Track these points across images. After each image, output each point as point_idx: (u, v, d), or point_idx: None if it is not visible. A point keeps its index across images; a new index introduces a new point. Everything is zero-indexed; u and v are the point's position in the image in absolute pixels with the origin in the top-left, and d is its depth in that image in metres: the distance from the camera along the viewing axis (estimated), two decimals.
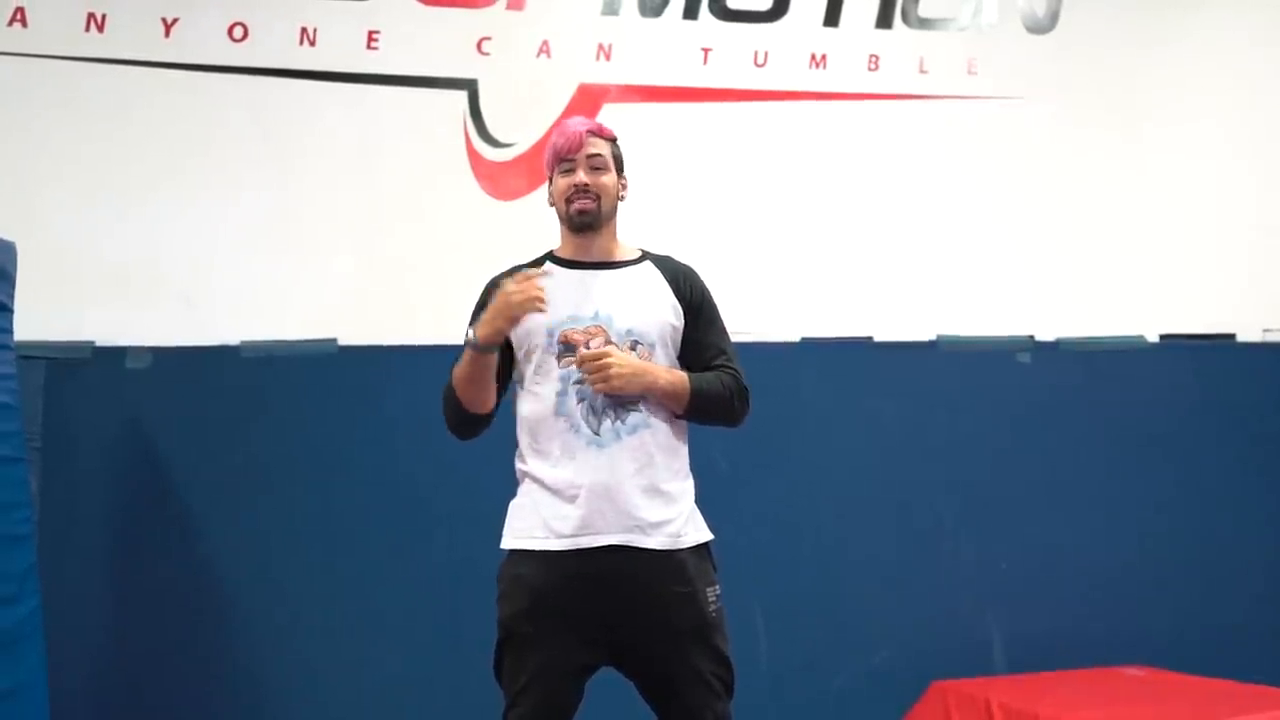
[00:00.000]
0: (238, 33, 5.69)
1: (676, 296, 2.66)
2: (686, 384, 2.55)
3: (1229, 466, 5.97)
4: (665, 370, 2.56)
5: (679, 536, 2.58)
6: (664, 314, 2.64)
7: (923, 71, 6.47)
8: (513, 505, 2.77)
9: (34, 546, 4.21)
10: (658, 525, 2.53)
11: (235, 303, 5.46)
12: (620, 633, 2.53)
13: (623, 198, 2.76)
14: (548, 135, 6.23)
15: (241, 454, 5.10)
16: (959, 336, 5.91)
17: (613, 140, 2.79)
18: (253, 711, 4.94)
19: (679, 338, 2.64)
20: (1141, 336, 6.09)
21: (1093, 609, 5.69)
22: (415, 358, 5.44)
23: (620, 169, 2.77)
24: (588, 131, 2.71)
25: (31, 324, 4.49)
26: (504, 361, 2.73)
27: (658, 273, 2.71)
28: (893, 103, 6.43)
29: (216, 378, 5.15)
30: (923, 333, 5.92)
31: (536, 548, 2.58)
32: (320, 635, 5.01)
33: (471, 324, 2.69)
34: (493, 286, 2.70)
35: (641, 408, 2.53)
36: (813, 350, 5.85)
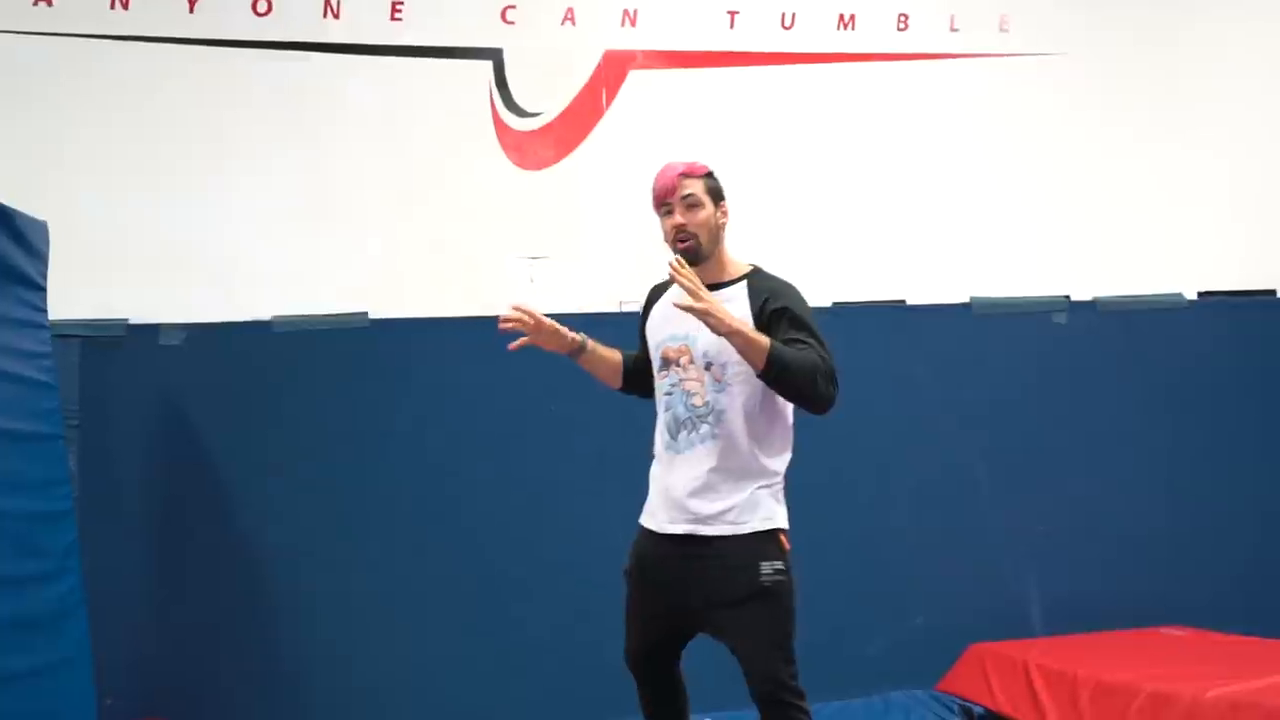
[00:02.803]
0: (261, 7, 5.68)
1: (756, 317, 2.83)
2: (766, 342, 2.71)
3: (1270, 425, 5.88)
4: (750, 329, 2.73)
5: (738, 525, 2.86)
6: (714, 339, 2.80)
7: (953, 30, 6.36)
8: None
9: (74, 523, 4.26)
10: (714, 517, 2.86)
11: (266, 278, 5.48)
12: (690, 601, 2.93)
13: (723, 224, 2.98)
14: (574, 103, 6.31)
15: (275, 428, 5.14)
16: (993, 298, 5.83)
17: (706, 175, 3.00)
18: (293, 680, 4.99)
19: None
20: (1180, 294, 5.99)
21: (1132, 570, 5.64)
22: (446, 329, 5.45)
23: (718, 199, 2.99)
24: (680, 175, 2.95)
25: (65, 303, 4.53)
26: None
27: (745, 294, 2.91)
28: (923, 63, 6.33)
29: (249, 353, 5.17)
30: (956, 295, 5.85)
31: (642, 522, 3.11)
32: (357, 603, 5.05)
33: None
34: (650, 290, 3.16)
35: (710, 421, 2.83)
36: (844, 315, 5.78)
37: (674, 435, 2.90)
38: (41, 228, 4.36)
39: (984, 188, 6.27)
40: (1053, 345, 5.83)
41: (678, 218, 2.92)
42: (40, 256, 4.33)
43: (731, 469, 2.86)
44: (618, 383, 3.26)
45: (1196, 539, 5.71)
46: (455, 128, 5.92)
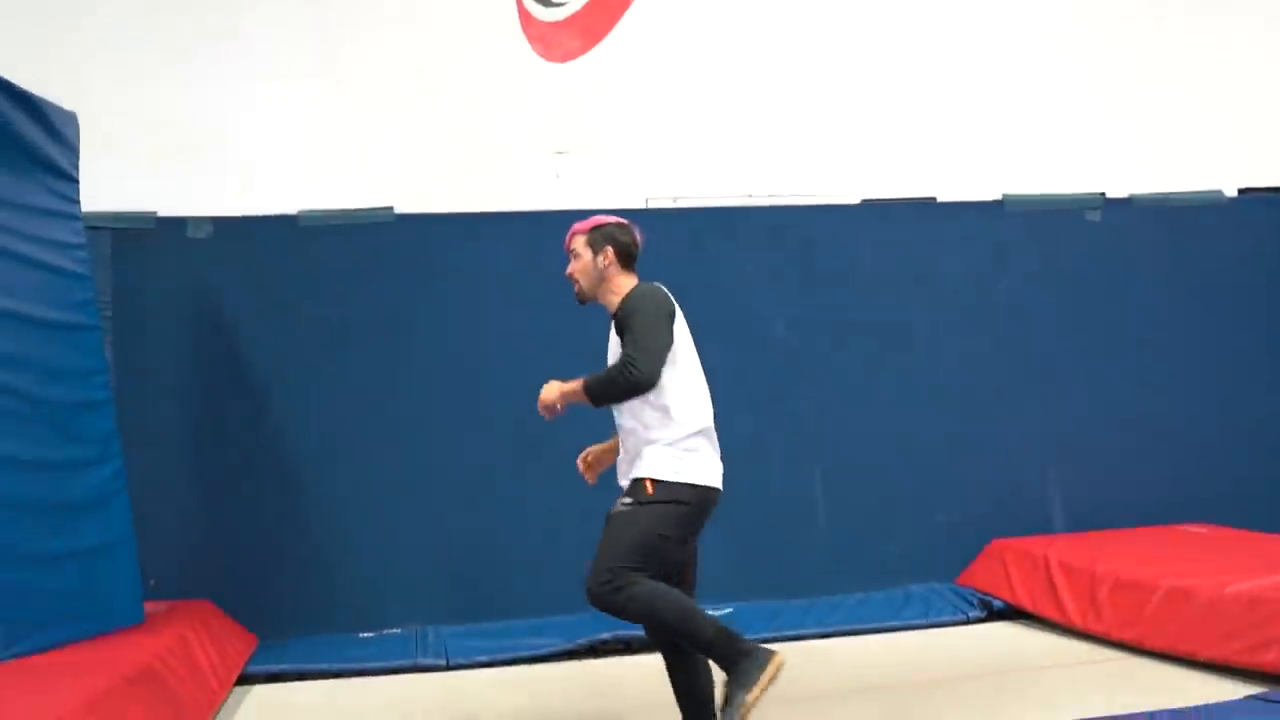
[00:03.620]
0: None
1: (616, 330, 3.48)
2: (580, 387, 3.42)
3: None
4: (565, 387, 3.45)
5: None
6: (614, 352, 3.51)
7: None
8: None
9: (113, 411, 4.35)
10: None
11: (292, 171, 5.47)
12: None
13: (605, 265, 3.52)
14: None
15: (301, 320, 5.18)
16: (1026, 195, 5.73)
17: (589, 230, 3.56)
18: (324, 562, 5.12)
19: None
20: (1219, 191, 5.85)
21: (1156, 469, 5.66)
22: (471, 224, 5.43)
23: (598, 248, 3.53)
24: (571, 233, 3.59)
25: (95, 195, 4.54)
26: None
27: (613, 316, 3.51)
28: None
29: (275, 246, 5.19)
30: (988, 191, 5.75)
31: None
32: (385, 490, 5.16)
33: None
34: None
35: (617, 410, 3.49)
36: (873, 212, 5.72)
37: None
38: (71, 118, 4.36)
39: (1018, 82, 6.12)
40: (1086, 243, 5.75)
41: (569, 267, 3.57)
42: (71, 147, 4.34)
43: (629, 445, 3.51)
44: None
45: (1225, 437, 5.71)
46: (480, 19, 5.81)
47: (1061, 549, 5.04)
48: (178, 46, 5.49)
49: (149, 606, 4.40)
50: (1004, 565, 5.17)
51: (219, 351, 5.13)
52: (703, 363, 5.60)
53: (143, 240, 5.02)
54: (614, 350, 3.49)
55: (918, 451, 5.54)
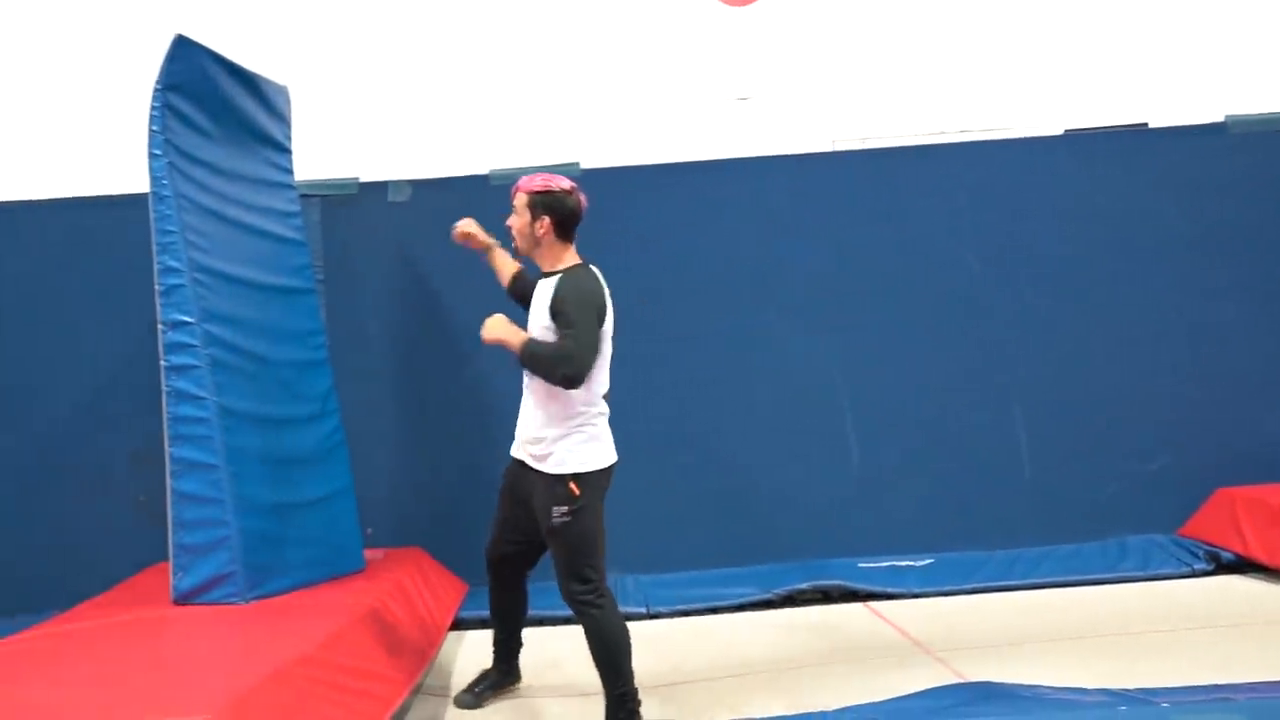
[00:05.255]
0: None
1: (550, 306, 3.58)
2: (518, 344, 3.55)
3: None
4: (517, 334, 3.59)
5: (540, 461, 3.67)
6: (539, 320, 3.66)
7: None
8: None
9: (330, 370, 4.58)
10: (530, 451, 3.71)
11: (483, 132, 5.58)
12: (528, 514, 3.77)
13: (541, 234, 3.68)
14: None
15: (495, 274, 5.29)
16: (1253, 115, 5.27)
17: (532, 193, 3.69)
18: None
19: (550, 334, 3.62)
20: None
21: None
22: (656, 176, 5.43)
23: (538, 214, 3.67)
24: (514, 189, 3.74)
25: (303, 164, 4.77)
26: None
27: (552, 288, 3.61)
28: None
29: (469, 206, 5.29)
30: (1208, 114, 5.33)
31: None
32: None
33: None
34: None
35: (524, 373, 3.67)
36: (1078, 142, 5.39)
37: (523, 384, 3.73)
38: (284, 92, 4.57)
39: None
40: None
41: (508, 220, 3.75)
42: (285, 120, 4.56)
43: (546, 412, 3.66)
44: (505, 285, 4.12)
45: None
46: None
47: None
48: (372, 18, 5.65)
49: (367, 554, 4.64)
50: (1234, 515, 4.85)
51: (422, 307, 5.31)
52: (893, 306, 5.49)
53: (348, 206, 5.24)
54: (536, 317, 3.64)
55: (1131, 393, 5.24)
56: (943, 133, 5.74)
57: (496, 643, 3.98)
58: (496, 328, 3.62)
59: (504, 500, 3.91)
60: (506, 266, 4.12)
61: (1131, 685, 3.28)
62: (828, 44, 5.74)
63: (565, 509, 3.55)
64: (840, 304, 5.34)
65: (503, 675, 3.91)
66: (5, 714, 2.67)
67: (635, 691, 3.54)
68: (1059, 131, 5.43)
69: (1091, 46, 5.66)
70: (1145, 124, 5.36)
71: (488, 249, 4.16)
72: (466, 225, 4.18)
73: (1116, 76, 5.60)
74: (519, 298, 4.01)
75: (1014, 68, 5.67)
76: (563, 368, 3.48)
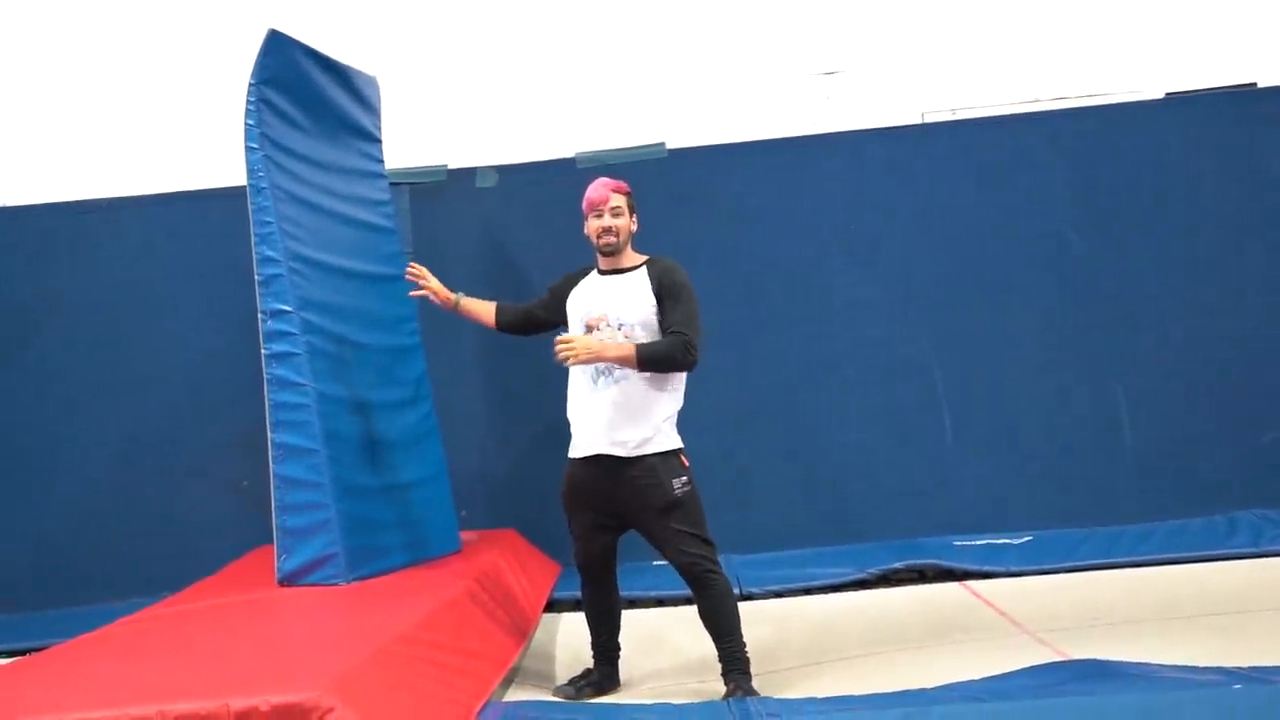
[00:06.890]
0: None
1: (655, 292, 3.71)
2: (633, 352, 3.61)
3: None
4: (615, 346, 3.65)
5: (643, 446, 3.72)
6: (643, 307, 3.72)
7: None
8: None
9: (423, 355, 4.66)
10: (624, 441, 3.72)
11: (567, 116, 5.60)
12: (616, 507, 3.81)
13: (633, 230, 3.84)
14: None
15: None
16: None
17: (628, 194, 3.85)
18: None
19: (656, 318, 3.72)
20: None
21: None
22: (742, 154, 5.39)
23: (633, 211, 3.85)
24: (612, 189, 3.83)
25: (392, 153, 4.84)
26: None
27: (645, 276, 3.76)
28: None
29: (555, 189, 5.33)
30: None
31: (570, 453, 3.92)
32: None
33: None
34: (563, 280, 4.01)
35: (618, 369, 3.69)
36: (1180, 106, 5.19)
37: (594, 381, 3.74)
38: (373, 83, 4.64)
39: None
40: None
41: (607, 220, 3.78)
42: (375, 110, 4.64)
43: (644, 403, 3.71)
44: (493, 325, 4.15)
45: None
46: None
47: None
48: (456, 5, 5.71)
49: (463, 536, 4.71)
50: None
51: (510, 291, 5.32)
52: (989, 280, 5.38)
53: (436, 193, 5.31)
54: (636, 306, 3.69)
55: (1242, 364, 5.04)
56: (1036, 100, 5.58)
57: (597, 646, 3.97)
58: (590, 345, 3.62)
59: (577, 506, 3.88)
60: (482, 307, 4.14)
61: (1245, 664, 3.17)
62: (914, 13, 5.62)
63: (685, 479, 3.70)
64: (933, 278, 5.24)
65: (605, 678, 3.90)
66: (128, 689, 2.79)
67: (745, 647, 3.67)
68: (1160, 95, 5.24)
69: (1191, 8, 5.43)
70: (1254, 84, 5.13)
71: (455, 303, 4.11)
72: (427, 283, 4.08)
73: (1220, 33, 5.36)
74: (512, 328, 4.14)
75: (1108, 27, 5.47)
76: (689, 354, 3.62)
